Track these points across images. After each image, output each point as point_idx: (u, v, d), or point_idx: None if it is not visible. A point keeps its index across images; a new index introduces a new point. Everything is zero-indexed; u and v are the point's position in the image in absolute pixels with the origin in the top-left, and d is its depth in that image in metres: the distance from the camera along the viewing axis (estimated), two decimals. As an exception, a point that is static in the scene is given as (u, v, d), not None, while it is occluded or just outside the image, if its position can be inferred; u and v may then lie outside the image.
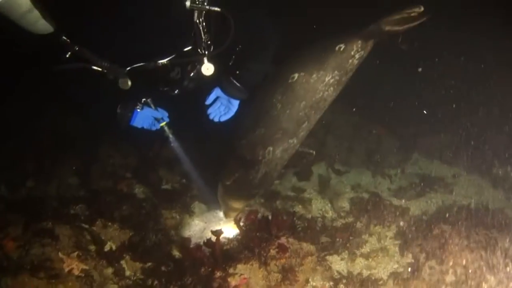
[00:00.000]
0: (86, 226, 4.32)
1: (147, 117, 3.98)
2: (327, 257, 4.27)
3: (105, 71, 3.44)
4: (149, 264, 4.11)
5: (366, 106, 6.41)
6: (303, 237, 4.12)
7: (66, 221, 4.18)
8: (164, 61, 3.48)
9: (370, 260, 4.28)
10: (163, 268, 3.94)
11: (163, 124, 4.04)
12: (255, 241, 3.77)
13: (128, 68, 3.48)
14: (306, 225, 4.48)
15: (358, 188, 5.59)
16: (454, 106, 5.92)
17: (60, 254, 3.77)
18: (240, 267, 3.66)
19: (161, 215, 4.73)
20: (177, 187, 5.41)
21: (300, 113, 3.86)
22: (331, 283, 3.94)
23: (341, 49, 3.73)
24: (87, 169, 5.45)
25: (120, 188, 5.22)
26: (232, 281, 3.58)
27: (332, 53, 3.76)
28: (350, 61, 3.76)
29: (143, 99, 3.96)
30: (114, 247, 4.29)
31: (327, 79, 3.78)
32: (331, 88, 3.84)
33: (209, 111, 4.00)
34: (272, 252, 3.77)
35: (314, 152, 4.50)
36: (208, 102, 3.97)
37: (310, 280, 3.98)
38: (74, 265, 3.77)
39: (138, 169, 5.55)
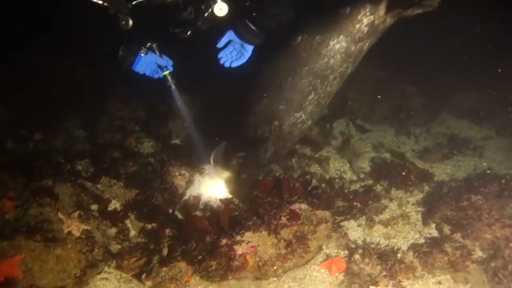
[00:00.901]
0: (90, 184, 4.07)
1: (150, 63, 3.59)
2: (343, 222, 3.96)
3: (106, 4, 3.06)
4: (154, 225, 3.86)
5: (393, 60, 5.82)
6: (318, 202, 3.77)
7: (68, 178, 3.92)
8: None
9: (389, 228, 3.92)
10: (167, 231, 3.66)
11: (166, 73, 3.65)
12: (265, 207, 3.44)
13: (134, 3, 3.08)
14: (322, 188, 4.13)
15: (380, 147, 5.16)
16: (487, 64, 5.33)
17: (59, 215, 3.52)
18: (248, 234, 3.34)
19: (169, 172, 4.41)
20: (187, 141, 5.06)
21: (303, 80, 3.49)
22: (346, 251, 3.63)
23: (346, 11, 3.32)
24: (95, 122, 5.14)
25: (128, 142, 4.94)
26: (239, 249, 3.28)
27: (336, 16, 3.36)
28: (357, 26, 3.31)
29: (148, 44, 3.58)
30: (118, 206, 4.05)
31: (331, 43, 3.37)
32: (338, 56, 3.41)
33: (220, 55, 3.56)
34: (283, 219, 3.44)
35: None
36: (219, 45, 3.52)
37: (323, 247, 3.68)
38: (74, 226, 3.52)
39: (147, 122, 5.22)
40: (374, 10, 3.27)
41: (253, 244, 3.32)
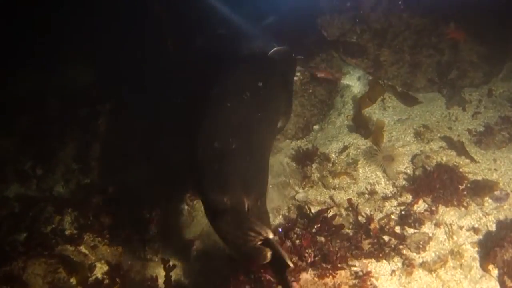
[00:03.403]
0: (72, 249, 3.32)
1: None
2: (371, 269, 2.79)
3: None
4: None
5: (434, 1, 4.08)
6: (329, 254, 2.63)
7: (42, 252, 3.20)
8: None
9: (433, 275, 2.73)
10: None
11: None
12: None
13: None
14: (338, 226, 2.95)
15: (426, 132, 3.64)
16: None
17: (28, 311, 2.85)
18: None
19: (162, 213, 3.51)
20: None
21: None
22: (373, 324, 2.56)
23: None
24: (88, 149, 4.30)
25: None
26: None
27: None
28: None
29: None
30: (104, 271, 3.28)
31: None
32: None
33: None
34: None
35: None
36: None
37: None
38: (46, 321, 2.84)
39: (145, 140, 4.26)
40: None
41: None
